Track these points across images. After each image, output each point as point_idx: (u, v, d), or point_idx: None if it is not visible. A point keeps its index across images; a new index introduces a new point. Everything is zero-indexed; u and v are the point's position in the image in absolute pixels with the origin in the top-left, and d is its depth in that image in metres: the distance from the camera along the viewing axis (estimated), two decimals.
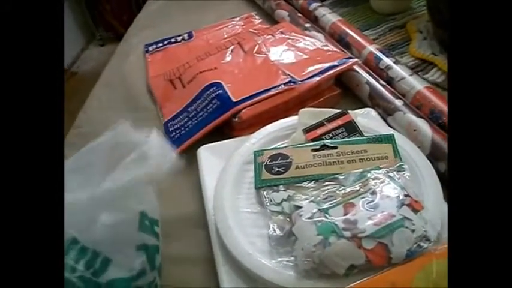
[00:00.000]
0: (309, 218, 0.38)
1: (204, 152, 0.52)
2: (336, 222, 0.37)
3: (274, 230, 0.40)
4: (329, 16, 0.75)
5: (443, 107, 0.52)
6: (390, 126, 0.53)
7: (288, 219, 0.40)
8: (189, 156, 0.53)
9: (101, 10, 2.38)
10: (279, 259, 0.38)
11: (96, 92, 0.73)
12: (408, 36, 0.73)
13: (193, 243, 0.46)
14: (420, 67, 0.66)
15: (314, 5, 0.79)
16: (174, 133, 0.58)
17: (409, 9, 0.80)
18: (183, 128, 0.57)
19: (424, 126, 0.50)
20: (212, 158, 0.51)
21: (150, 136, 0.38)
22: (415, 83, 0.57)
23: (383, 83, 0.59)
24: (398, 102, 0.55)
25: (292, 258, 0.37)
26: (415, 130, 0.51)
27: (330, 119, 0.50)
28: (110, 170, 0.35)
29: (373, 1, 0.81)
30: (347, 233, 0.36)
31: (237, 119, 0.55)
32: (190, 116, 0.58)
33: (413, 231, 0.36)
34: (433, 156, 0.48)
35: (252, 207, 0.44)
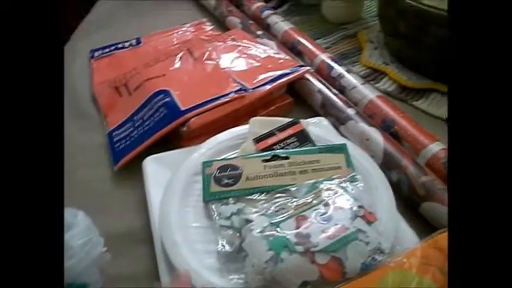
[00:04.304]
0: (259, 233, 0.36)
1: (150, 163, 0.49)
2: (288, 237, 0.35)
3: (223, 246, 0.38)
4: (281, 24, 0.74)
5: (395, 116, 0.52)
6: (342, 135, 0.53)
7: (238, 234, 0.38)
8: (134, 168, 0.50)
9: None
10: (229, 277, 0.36)
11: None
12: (359, 46, 0.73)
13: (137, 260, 0.43)
14: (371, 76, 0.66)
15: (266, 12, 0.78)
16: (118, 143, 0.55)
17: (360, 19, 0.81)
18: (128, 138, 0.54)
19: (376, 136, 0.50)
20: (158, 170, 0.48)
21: (77, 217, 0.35)
22: (367, 92, 0.57)
23: (335, 91, 0.58)
24: (351, 111, 0.54)
25: (242, 275, 0.35)
26: (367, 139, 0.50)
27: (282, 128, 0.49)
28: None
29: (326, 10, 0.81)
30: (299, 248, 0.34)
31: (185, 128, 0.52)
32: (136, 125, 0.55)
33: (367, 243, 0.35)
34: (385, 165, 0.47)
35: (200, 222, 0.42)
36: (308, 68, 0.61)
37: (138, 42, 0.77)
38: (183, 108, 0.53)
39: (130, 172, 0.51)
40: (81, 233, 0.34)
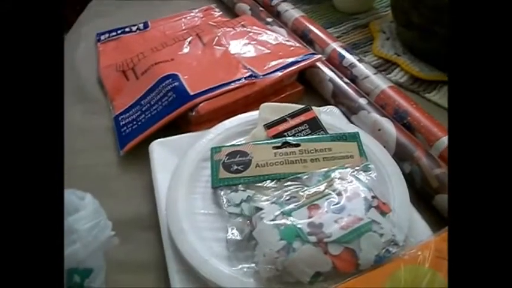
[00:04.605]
0: (270, 221, 0.35)
1: (157, 148, 0.48)
2: (300, 226, 0.34)
3: (232, 234, 0.37)
4: (292, 12, 0.72)
5: (408, 106, 0.51)
6: (354, 125, 0.51)
7: (247, 221, 0.37)
8: (141, 152, 0.49)
9: None
10: (239, 266, 0.35)
11: None
12: (371, 36, 0.72)
13: (143, 246, 0.42)
14: (383, 67, 0.65)
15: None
16: (125, 127, 0.53)
17: (371, 9, 0.79)
18: (135, 122, 0.53)
19: (388, 126, 0.49)
20: (166, 154, 0.47)
21: (84, 200, 0.34)
22: (379, 82, 0.55)
23: (347, 81, 0.57)
24: (363, 101, 0.53)
25: (253, 264, 0.34)
26: (379, 129, 0.49)
27: (293, 115, 0.48)
28: None
29: (336, 0, 0.80)
30: (312, 238, 0.33)
31: (193, 113, 0.51)
32: (143, 109, 0.54)
33: (381, 235, 0.34)
34: (398, 156, 0.46)
35: (208, 209, 0.41)
36: (320, 55, 0.59)
37: (146, 26, 0.75)
38: (192, 93, 0.52)
39: (136, 156, 0.50)
40: (88, 216, 0.32)
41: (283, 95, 0.57)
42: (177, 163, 0.45)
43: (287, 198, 0.38)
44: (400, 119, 0.50)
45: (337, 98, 0.56)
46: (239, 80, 0.54)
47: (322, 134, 0.46)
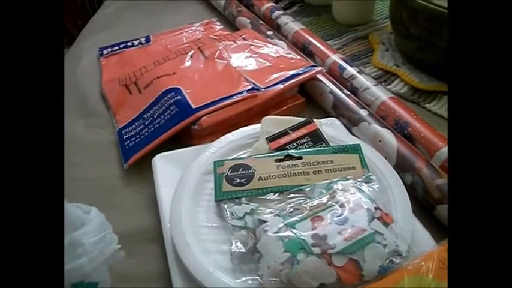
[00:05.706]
0: (274, 233, 0.35)
1: (160, 161, 0.48)
2: (304, 238, 0.34)
3: (237, 247, 0.37)
4: (292, 24, 0.73)
5: (408, 117, 0.51)
6: (355, 136, 0.52)
7: (251, 234, 0.37)
8: (144, 165, 0.50)
9: None
10: (243, 278, 0.35)
11: None
12: (370, 47, 0.72)
13: (147, 259, 0.42)
14: (383, 78, 0.65)
15: (277, 13, 0.77)
16: (128, 141, 0.54)
17: (371, 21, 0.80)
18: (138, 136, 0.54)
19: (389, 137, 0.49)
20: (169, 168, 0.47)
21: (90, 214, 0.34)
22: (380, 93, 0.56)
23: (347, 92, 0.57)
24: (363, 113, 0.53)
25: (257, 277, 0.34)
26: (380, 141, 0.49)
27: (295, 128, 0.48)
28: None
29: (336, 12, 0.81)
30: (316, 250, 0.33)
31: (196, 126, 0.51)
32: (146, 123, 0.55)
33: (385, 246, 0.34)
34: (399, 167, 0.46)
35: (212, 221, 0.41)
36: (320, 68, 0.60)
37: (148, 40, 0.76)
38: (194, 107, 0.52)
39: (140, 170, 0.50)
40: (94, 230, 0.33)
41: (284, 108, 0.57)
42: (180, 176, 0.45)
43: (290, 210, 0.38)
44: (400, 129, 0.51)
45: (338, 110, 0.56)
46: (241, 93, 0.54)
47: (324, 147, 0.46)
